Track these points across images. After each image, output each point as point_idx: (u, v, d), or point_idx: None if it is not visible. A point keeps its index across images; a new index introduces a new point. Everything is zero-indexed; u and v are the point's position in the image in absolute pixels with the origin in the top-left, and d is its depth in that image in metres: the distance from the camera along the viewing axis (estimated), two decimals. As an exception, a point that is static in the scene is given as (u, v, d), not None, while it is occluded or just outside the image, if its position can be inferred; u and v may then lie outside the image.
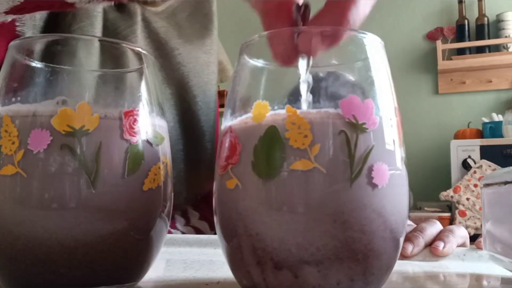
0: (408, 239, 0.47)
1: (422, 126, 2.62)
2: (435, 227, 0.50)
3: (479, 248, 0.49)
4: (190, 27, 0.71)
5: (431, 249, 0.47)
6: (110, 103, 0.29)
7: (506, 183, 0.33)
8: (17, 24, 0.53)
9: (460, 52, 2.70)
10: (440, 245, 0.47)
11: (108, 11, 0.63)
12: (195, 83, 0.68)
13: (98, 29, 0.61)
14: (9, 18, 0.49)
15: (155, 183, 0.31)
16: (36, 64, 0.30)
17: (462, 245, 0.52)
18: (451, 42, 2.70)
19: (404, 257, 0.46)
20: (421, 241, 0.47)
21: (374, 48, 0.29)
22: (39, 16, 0.57)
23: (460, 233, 0.51)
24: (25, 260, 0.28)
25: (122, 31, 0.64)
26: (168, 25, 0.69)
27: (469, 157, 2.25)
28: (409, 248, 0.46)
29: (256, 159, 0.26)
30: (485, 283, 0.37)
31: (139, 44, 0.65)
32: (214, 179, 0.29)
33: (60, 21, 0.59)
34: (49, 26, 0.56)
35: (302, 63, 0.29)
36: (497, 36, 2.66)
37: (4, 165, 0.28)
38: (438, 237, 0.49)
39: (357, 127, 0.26)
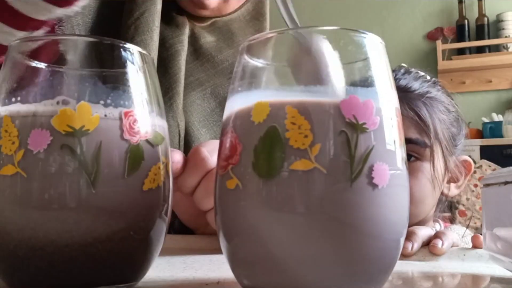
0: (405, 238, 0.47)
1: (422, 126, 2.62)
2: (426, 230, 0.51)
3: (475, 245, 0.49)
4: (244, 35, 0.74)
5: (429, 247, 0.47)
6: (110, 103, 0.29)
7: (506, 183, 0.33)
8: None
9: (460, 52, 2.70)
10: (439, 243, 0.47)
11: None
12: None
13: (156, 43, 0.65)
14: None
15: (155, 183, 0.31)
16: (36, 64, 0.30)
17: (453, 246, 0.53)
18: (451, 42, 2.71)
19: (404, 256, 0.46)
20: (419, 238, 0.48)
21: (375, 48, 0.29)
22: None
23: (451, 235, 0.52)
24: (27, 263, 0.28)
25: (169, 39, 0.69)
26: (216, 38, 0.73)
27: (469, 157, 2.25)
28: (409, 246, 0.46)
29: (256, 159, 0.26)
30: (485, 283, 0.37)
31: (185, 55, 0.69)
32: None
33: (123, 33, 0.64)
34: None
35: None
36: (497, 36, 2.66)
37: (4, 165, 0.28)
38: (435, 236, 0.50)
39: (357, 127, 0.26)
